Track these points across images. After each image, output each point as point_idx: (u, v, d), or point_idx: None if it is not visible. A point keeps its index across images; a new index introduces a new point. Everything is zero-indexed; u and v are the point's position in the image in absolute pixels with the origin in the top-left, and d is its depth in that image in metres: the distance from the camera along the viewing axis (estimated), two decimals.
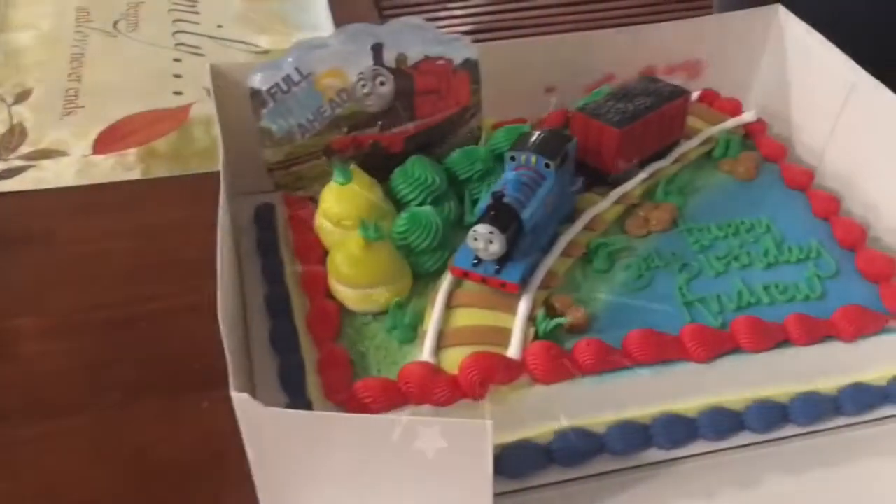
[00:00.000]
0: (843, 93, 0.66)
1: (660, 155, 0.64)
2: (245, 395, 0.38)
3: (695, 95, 0.73)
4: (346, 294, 0.53)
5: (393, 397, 0.47)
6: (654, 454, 0.50)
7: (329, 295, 0.54)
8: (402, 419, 0.39)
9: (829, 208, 0.61)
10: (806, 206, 0.62)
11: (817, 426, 0.52)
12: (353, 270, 0.52)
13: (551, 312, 0.52)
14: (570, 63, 0.72)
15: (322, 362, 0.49)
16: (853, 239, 0.59)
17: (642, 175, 0.63)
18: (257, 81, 0.55)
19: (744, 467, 0.51)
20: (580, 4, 1.07)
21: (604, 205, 0.60)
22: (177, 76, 0.88)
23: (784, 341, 0.52)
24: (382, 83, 0.58)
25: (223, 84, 0.61)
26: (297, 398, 0.50)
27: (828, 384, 0.53)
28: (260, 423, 0.40)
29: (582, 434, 0.50)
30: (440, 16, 1.08)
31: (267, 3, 1.03)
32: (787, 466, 0.53)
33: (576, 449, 0.49)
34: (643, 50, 0.73)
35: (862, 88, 0.64)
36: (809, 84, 0.71)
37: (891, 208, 0.62)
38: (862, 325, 0.52)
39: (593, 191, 0.61)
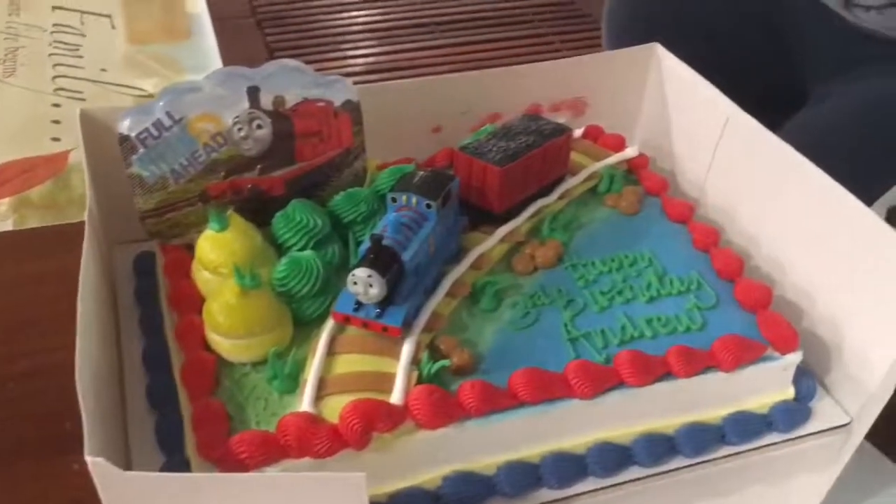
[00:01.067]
0: (719, 127, 0.68)
1: (545, 192, 0.65)
2: (100, 459, 0.36)
3: (580, 132, 0.74)
4: (223, 344, 0.51)
5: (270, 451, 0.45)
6: (545, 494, 0.50)
7: (206, 346, 0.52)
8: (273, 476, 0.38)
9: (708, 240, 0.63)
10: (687, 239, 0.64)
11: (704, 456, 0.53)
12: (229, 320, 0.50)
13: (436, 355, 0.51)
14: (456, 102, 0.72)
15: (196, 418, 0.47)
16: (731, 270, 0.60)
17: (528, 212, 0.63)
18: (126, 127, 0.53)
19: (636, 501, 0.51)
20: (469, 45, 1.09)
21: (489, 243, 0.60)
22: (55, 122, 0.85)
23: (667, 374, 0.53)
24: (259, 126, 0.56)
25: (95, 130, 0.59)
26: (175, 457, 0.48)
27: (711, 414, 0.54)
28: (118, 487, 0.37)
29: (471, 478, 0.49)
30: (332, 56, 1.08)
31: (154, 45, 1.01)
32: (678, 498, 0.53)
33: (465, 493, 0.48)
34: (528, 88, 0.74)
35: (735, 122, 0.67)
36: (688, 119, 0.73)
37: (768, 238, 0.64)
38: (740, 354, 0.53)
39: (479, 230, 0.61)
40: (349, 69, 1.05)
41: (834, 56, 0.79)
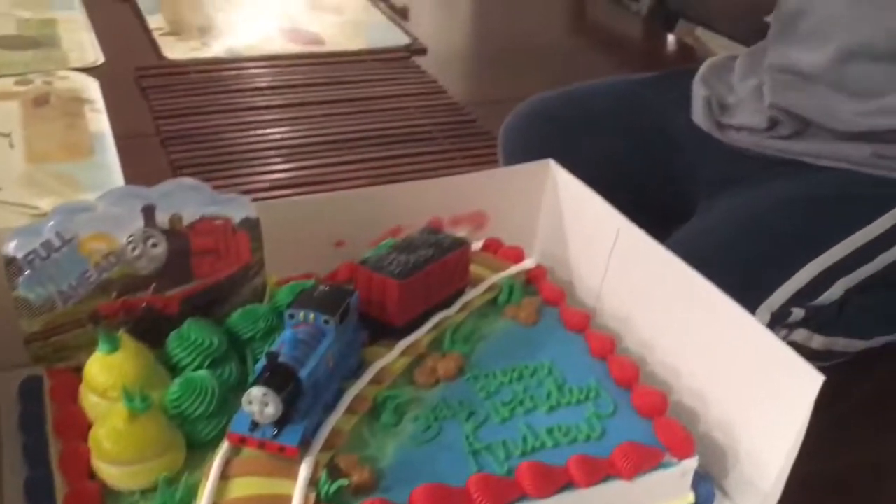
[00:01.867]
0: (611, 239, 0.71)
1: (446, 304, 0.66)
2: None
3: (480, 244, 0.76)
4: (109, 472, 0.48)
5: None
6: None
7: (92, 475, 0.49)
8: None
9: (605, 348, 0.64)
10: (585, 348, 0.65)
11: None
12: (117, 446, 0.48)
13: (335, 474, 0.50)
14: (358, 217, 0.73)
15: None
16: (628, 377, 0.61)
17: (429, 325, 0.63)
18: (12, 248, 0.52)
19: None
20: (375, 160, 1.12)
21: (390, 357, 0.60)
22: None
23: (569, 483, 0.53)
24: (154, 245, 0.56)
25: None
26: None
27: None
28: None
29: None
30: (238, 173, 1.09)
31: (55, 164, 1.00)
32: None
33: None
34: (429, 203, 0.76)
35: (626, 234, 0.69)
36: (582, 231, 0.76)
37: (663, 344, 0.66)
38: (639, 462, 0.54)
39: (380, 343, 0.61)
40: (255, 185, 1.05)
41: (714, 173, 0.84)
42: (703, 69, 1.06)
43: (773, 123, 0.92)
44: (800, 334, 0.80)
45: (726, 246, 0.66)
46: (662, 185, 0.90)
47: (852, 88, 0.85)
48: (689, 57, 1.56)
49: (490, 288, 0.69)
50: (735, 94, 0.99)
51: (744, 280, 0.59)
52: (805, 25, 0.92)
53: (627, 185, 0.93)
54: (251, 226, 0.60)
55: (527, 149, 0.99)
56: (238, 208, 0.59)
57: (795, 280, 0.77)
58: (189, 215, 0.57)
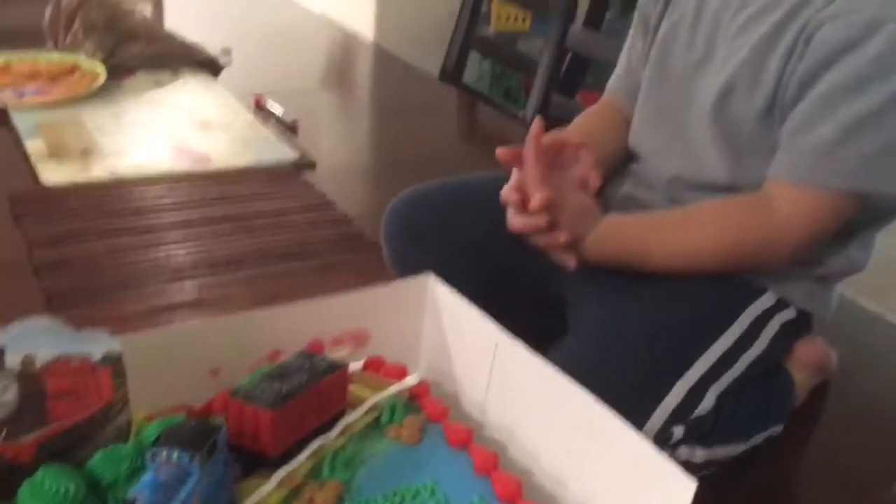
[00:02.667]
0: (491, 351, 0.71)
1: (324, 429, 0.64)
2: None
3: (360, 364, 0.75)
4: None
5: None
6: None
7: None
8: None
9: (488, 463, 0.63)
10: (468, 464, 0.64)
11: None
12: None
13: None
14: (235, 343, 0.71)
15: None
16: (511, 493, 0.60)
17: (307, 452, 0.61)
18: None
19: None
20: (259, 280, 1.10)
21: (265, 489, 0.57)
22: None
23: None
24: (4, 389, 0.53)
25: None
26: None
27: None
28: None
29: None
30: (118, 299, 1.05)
31: None
32: None
33: None
34: (309, 323, 0.75)
35: (505, 346, 0.70)
36: (464, 344, 0.76)
37: (549, 454, 0.66)
38: None
39: (255, 475, 0.58)
40: (133, 311, 1.02)
41: (581, 276, 0.86)
42: None
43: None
44: (683, 452, 0.82)
45: (599, 374, 0.69)
46: (535, 276, 0.93)
47: None
48: None
49: (372, 408, 0.68)
50: None
51: (619, 407, 0.61)
52: (639, 163, 1.00)
53: (505, 274, 0.94)
54: (113, 361, 0.58)
55: (406, 234, 1.01)
56: (98, 344, 0.57)
57: (669, 400, 0.79)
58: (43, 356, 0.55)
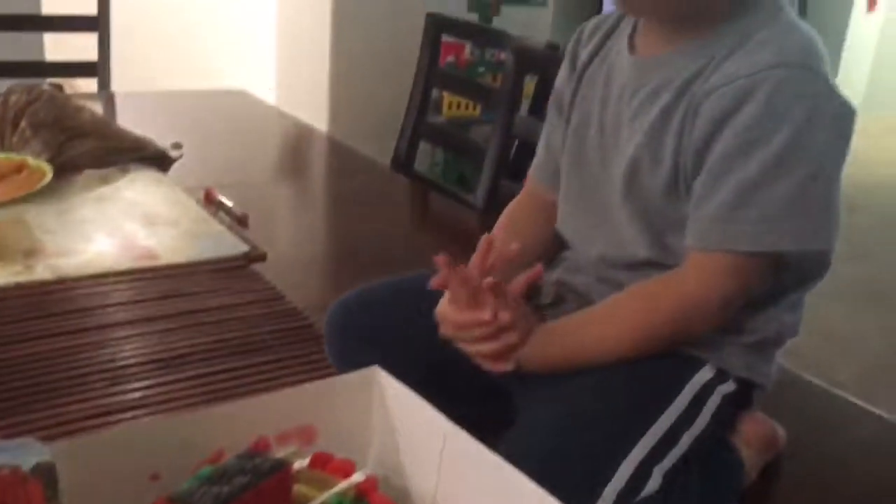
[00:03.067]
0: (440, 445, 0.70)
1: None
2: None
3: (307, 461, 0.73)
4: None
5: None
6: None
7: None
8: None
9: None
10: None
11: None
12: None
13: None
14: (176, 445, 0.70)
15: None
16: None
17: None
18: None
19: None
20: (206, 377, 1.08)
21: None
22: None
23: None
24: None
25: None
26: None
27: None
28: None
29: None
30: (58, 403, 1.02)
31: None
32: None
33: None
34: (254, 421, 0.74)
35: (453, 440, 0.69)
36: (413, 437, 0.75)
37: None
38: None
39: None
40: (74, 416, 0.99)
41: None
42: None
43: (558, 299, 0.99)
44: None
45: (546, 463, 0.69)
46: (478, 367, 0.93)
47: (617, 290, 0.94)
48: None
49: None
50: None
51: (568, 496, 0.60)
52: (568, 248, 1.03)
53: (449, 368, 0.94)
54: (45, 472, 0.56)
55: (347, 335, 1.01)
56: (29, 454, 0.55)
57: (615, 483, 0.79)
58: None
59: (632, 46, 0.98)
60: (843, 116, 0.85)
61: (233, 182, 1.85)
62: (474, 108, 3.60)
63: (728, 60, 0.86)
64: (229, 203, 1.65)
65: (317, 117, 3.52)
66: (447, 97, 3.54)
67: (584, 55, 1.04)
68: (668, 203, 0.90)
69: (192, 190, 1.71)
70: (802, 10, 5.87)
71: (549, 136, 1.10)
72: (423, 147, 2.31)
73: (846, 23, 5.99)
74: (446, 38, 2.21)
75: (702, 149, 0.86)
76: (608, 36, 1.03)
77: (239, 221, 1.60)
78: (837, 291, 3.48)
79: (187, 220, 1.56)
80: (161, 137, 1.91)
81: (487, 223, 1.21)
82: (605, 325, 0.91)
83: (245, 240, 1.50)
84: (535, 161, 1.12)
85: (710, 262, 0.86)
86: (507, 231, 1.08)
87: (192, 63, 4.24)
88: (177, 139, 1.94)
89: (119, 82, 2.61)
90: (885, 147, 6.20)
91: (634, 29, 0.99)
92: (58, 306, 1.25)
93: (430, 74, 2.16)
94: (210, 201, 1.67)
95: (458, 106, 3.60)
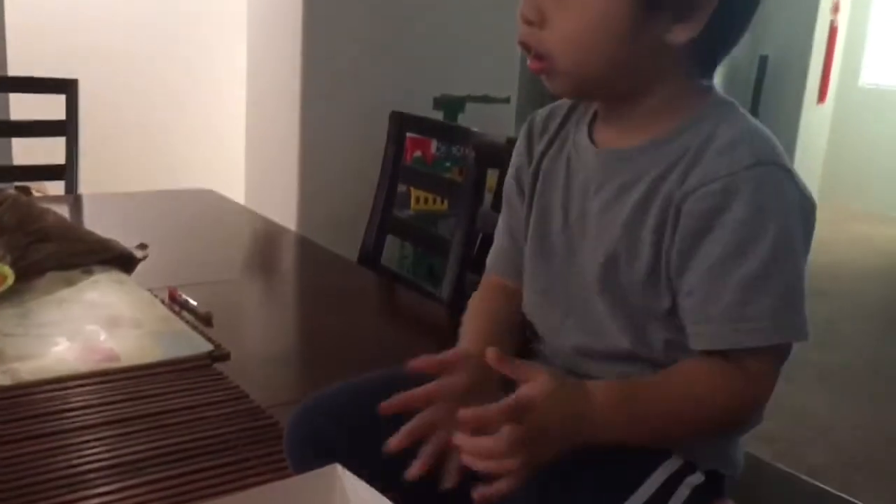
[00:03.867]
0: None
1: None
2: None
3: None
4: None
5: None
6: None
7: None
8: None
9: None
10: None
11: None
12: None
13: None
14: None
15: None
16: None
17: None
18: None
19: None
20: (170, 479, 1.06)
21: None
22: None
23: None
24: None
25: None
26: None
27: None
28: None
29: None
30: None
31: None
32: None
33: None
34: None
35: None
36: None
37: None
38: None
39: None
40: None
41: None
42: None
43: None
44: None
45: None
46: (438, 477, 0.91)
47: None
48: None
49: None
50: None
51: None
52: (536, 340, 1.03)
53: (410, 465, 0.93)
54: None
55: (307, 443, 0.99)
56: None
57: None
58: None
59: (592, 137, 0.99)
60: (810, 209, 0.90)
61: (199, 281, 1.85)
62: (442, 202, 3.65)
63: (702, 159, 0.88)
64: (193, 302, 1.64)
65: (286, 215, 3.56)
66: (414, 192, 3.59)
67: (540, 145, 1.05)
68: (647, 296, 0.91)
69: (157, 290, 1.70)
70: (756, 102, 6.10)
71: (507, 226, 1.10)
72: (392, 241, 2.33)
73: (798, 114, 6.23)
74: (414, 135, 2.27)
75: (689, 247, 0.87)
76: (562, 125, 1.04)
77: (203, 321, 1.59)
78: (807, 377, 3.51)
79: (150, 321, 1.55)
80: (127, 238, 1.91)
81: (454, 316, 1.21)
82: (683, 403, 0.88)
83: (209, 339, 1.48)
84: (494, 252, 1.13)
85: (745, 361, 0.86)
86: (477, 329, 1.05)
87: (160, 164, 4.29)
88: (143, 240, 1.94)
89: (87, 184, 2.63)
90: (844, 232, 6.37)
91: (593, 118, 1.01)
92: (16, 412, 1.22)
93: (396, 170, 2.21)
94: (174, 301, 1.67)
95: (426, 200, 3.65)
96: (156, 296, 1.67)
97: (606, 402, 0.84)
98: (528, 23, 0.90)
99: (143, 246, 1.91)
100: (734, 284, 0.85)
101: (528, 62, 0.92)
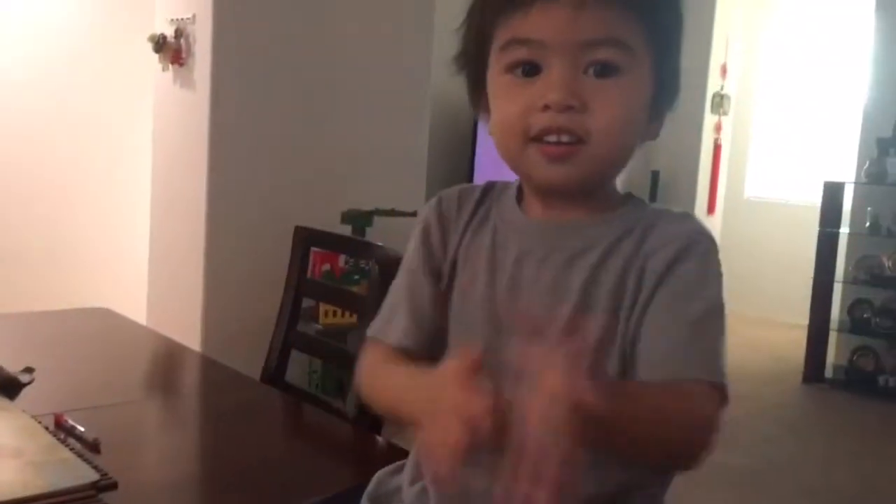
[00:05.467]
0: None
1: None
2: None
3: None
4: None
5: None
6: None
7: None
8: None
9: None
10: None
11: None
12: None
13: None
14: None
15: None
16: None
17: None
18: None
19: None
20: None
21: None
22: None
23: None
24: None
25: None
26: None
27: None
28: None
29: None
30: None
31: None
32: None
33: None
34: None
35: None
36: None
37: None
38: None
39: None
40: None
41: None
42: (373, 481, 1.11)
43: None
44: None
45: None
46: None
47: None
48: (401, 454, 1.61)
49: None
50: (402, 500, 1.04)
51: None
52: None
53: None
54: None
55: None
56: None
57: None
58: None
59: (523, 209, 1.04)
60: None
61: (90, 405, 1.76)
62: (351, 316, 3.63)
63: (656, 227, 0.98)
64: (81, 428, 1.55)
65: (189, 333, 3.45)
66: (323, 306, 3.56)
67: (459, 222, 1.06)
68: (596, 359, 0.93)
69: (43, 416, 1.61)
70: None
71: (413, 300, 1.06)
72: (300, 357, 2.29)
73: None
74: (319, 249, 2.26)
75: (647, 299, 0.94)
76: (479, 204, 1.07)
77: (90, 447, 1.50)
78: (714, 479, 3.54)
79: (32, 450, 1.45)
80: (13, 362, 1.81)
81: (360, 431, 1.18)
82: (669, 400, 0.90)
83: (95, 467, 1.40)
84: (398, 326, 1.07)
85: (698, 386, 0.92)
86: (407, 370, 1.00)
87: (57, 283, 4.14)
88: (30, 363, 1.84)
89: None
90: (740, 336, 6.60)
91: (519, 194, 1.04)
92: None
93: (300, 285, 2.19)
94: (60, 427, 1.57)
95: (335, 314, 3.61)
96: (40, 422, 1.57)
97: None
98: (567, 108, 0.93)
99: (29, 370, 1.81)
100: (685, 322, 0.93)
101: (551, 149, 0.94)
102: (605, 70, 0.92)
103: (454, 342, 1.03)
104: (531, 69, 0.94)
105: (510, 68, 0.95)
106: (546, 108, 0.93)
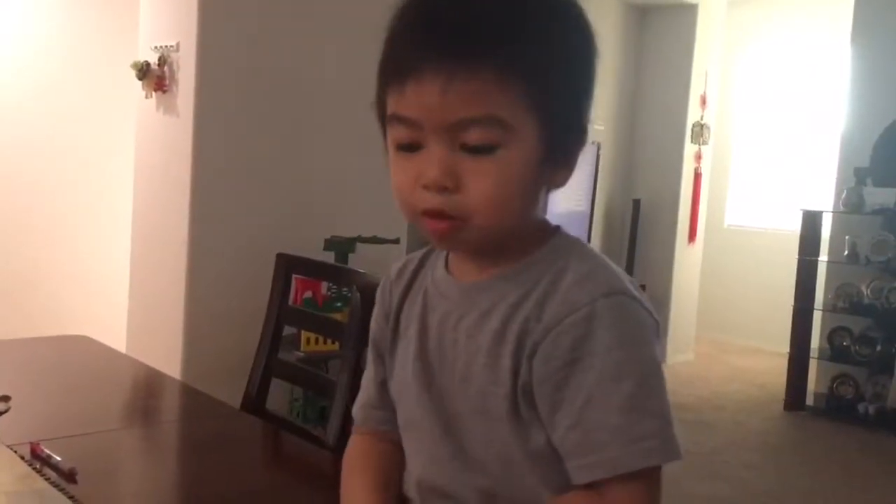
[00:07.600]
0: None
1: None
2: None
3: None
4: None
5: None
6: None
7: None
8: None
9: None
10: None
11: None
12: None
13: None
14: None
15: None
16: None
17: None
18: None
19: None
20: None
21: None
22: None
23: None
24: None
25: None
26: None
27: None
28: None
29: None
30: None
31: None
32: None
33: None
34: None
35: None
36: None
37: None
38: None
39: None
40: None
41: None
42: None
43: None
44: None
45: None
46: None
47: None
48: None
49: None
50: None
51: None
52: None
53: None
54: None
55: None
56: None
57: None
58: None
59: (450, 270, 1.03)
60: (656, 329, 0.94)
61: (67, 434, 1.74)
62: (333, 343, 3.61)
63: (557, 290, 0.92)
64: (57, 457, 1.53)
65: (170, 362, 3.42)
66: (304, 333, 3.54)
67: (395, 298, 1.09)
68: (514, 424, 0.93)
69: (18, 446, 1.58)
70: (633, 242, 6.42)
71: (375, 380, 1.11)
72: (282, 384, 2.28)
73: (672, 253, 6.59)
74: (301, 276, 2.26)
75: (562, 379, 0.89)
76: (417, 272, 1.09)
77: (67, 477, 1.48)
78: None
79: (7, 481, 1.43)
80: None
81: (340, 459, 1.18)
82: None
83: (71, 497, 1.38)
84: (368, 407, 1.13)
85: (629, 485, 0.87)
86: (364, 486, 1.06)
87: (36, 311, 4.10)
88: (6, 391, 1.82)
89: None
90: (722, 364, 6.63)
91: (448, 254, 1.05)
92: None
93: (282, 312, 2.18)
94: (36, 457, 1.55)
95: (316, 341, 3.60)
96: (15, 451, 1.55)
97: None
98: (443, 188, 0.91)
99: (5, 398, 1.79)
100: (617, 407, 0.87)
101: (432, 225, 0.92)
102: (479, 149, 0.89)
103: (397, 409, 1.06)
104: (411, 146, 0.93)
105: (394, 143, 0.95)
106: (426, 186, 0.92)
